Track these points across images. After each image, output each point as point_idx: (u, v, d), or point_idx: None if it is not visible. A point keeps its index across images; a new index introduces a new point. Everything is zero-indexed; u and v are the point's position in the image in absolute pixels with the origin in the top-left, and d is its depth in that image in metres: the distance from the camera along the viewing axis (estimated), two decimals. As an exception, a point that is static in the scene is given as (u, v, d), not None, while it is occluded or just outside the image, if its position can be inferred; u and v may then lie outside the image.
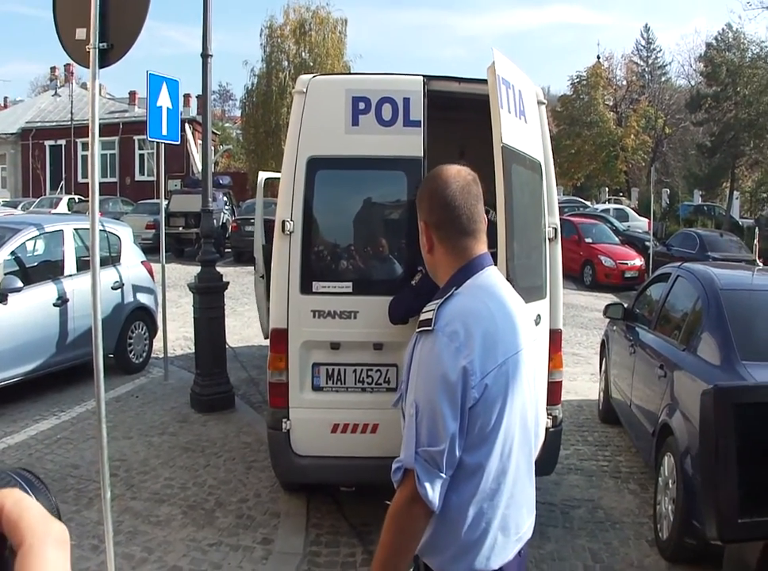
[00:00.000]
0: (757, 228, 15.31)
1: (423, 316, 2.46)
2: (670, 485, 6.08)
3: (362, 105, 5.78)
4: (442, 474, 2.33)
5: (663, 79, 59.05)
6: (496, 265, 3.72)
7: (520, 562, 2.66)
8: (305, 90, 5.79)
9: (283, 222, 5.73)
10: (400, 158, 5.81)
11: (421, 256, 5.72)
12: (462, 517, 2.43)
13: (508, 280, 4.83)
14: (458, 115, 7.18)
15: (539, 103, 5.80)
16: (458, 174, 2.61)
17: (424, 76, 5.91)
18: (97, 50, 4.75)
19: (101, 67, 4.82)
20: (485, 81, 6.06)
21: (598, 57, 57.09)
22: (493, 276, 2.63)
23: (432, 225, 2.61)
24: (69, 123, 45.26)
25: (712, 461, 1.37)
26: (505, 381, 2.41)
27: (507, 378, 2.41)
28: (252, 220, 25.96)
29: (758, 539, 1.49)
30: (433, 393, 2.34)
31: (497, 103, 4.91)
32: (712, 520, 1.42)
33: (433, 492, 2.32)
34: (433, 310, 2.43)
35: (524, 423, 2.53)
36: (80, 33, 4.83)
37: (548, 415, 5.95)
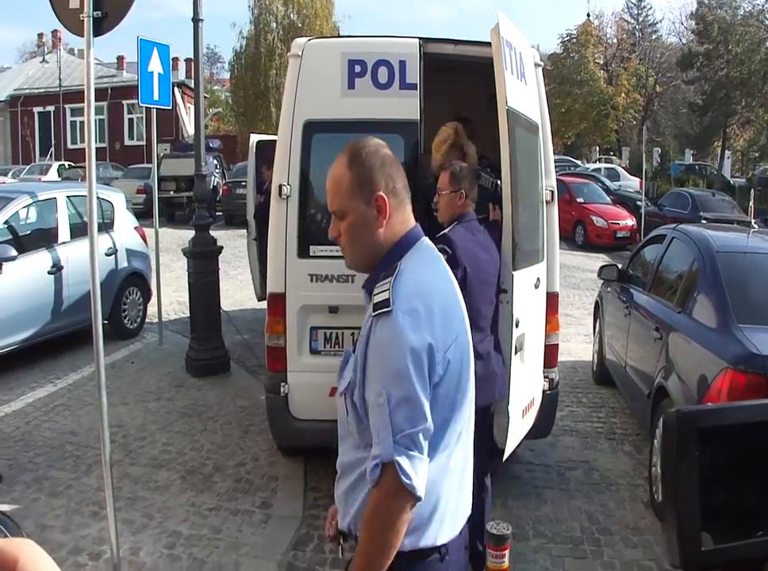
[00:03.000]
0: (752, 189, 15.21)
1: (376, 298, 2.33)
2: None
3: (358, 68, 5.73)
4: (424, 457, 2.24)
5: (654, 37, 58.62)
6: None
7: (463, 540, 2.59)
8: (300, 54, 5.73)
9: (280, 186, 5.71)
10: (396, 121, 5.77)
11: (421, 222, 5.73)
12: None
13: (513, 244, 4.91)
14: (454, 77, 7.13)
15: (536, 65, 5.77)
16: (380, 144, 2.54)
17: (419, 38, 5.86)
18: (91, 18, 4.69)
19: (95, 35, 4.75)
20: (480, 43, 6.06)
21: (588, 15, 56.74)
22: (429, 246, 2.56)
23: (391, 193, 2.46)
24: (57, 89, 44.86)
25: (673, 489, 1.35)
26: (460, 355, 2.38)
27: (462, 351, 2.39)
28: (243, 183, 26.04)
29: (721, 566, 1.49)
30: (403, 376, 2.22)
31: (501, 66, 4.89)
32: (675, 548, 1.41)
33: (418, 478, 2.22)
34: (388, 289, 2.30)
35: (471, 398, 2.51)
36: (74, 2, 4.78)
37: (545, 377, 5.98)
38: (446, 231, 4.78)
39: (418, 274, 2.38)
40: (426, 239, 2.55)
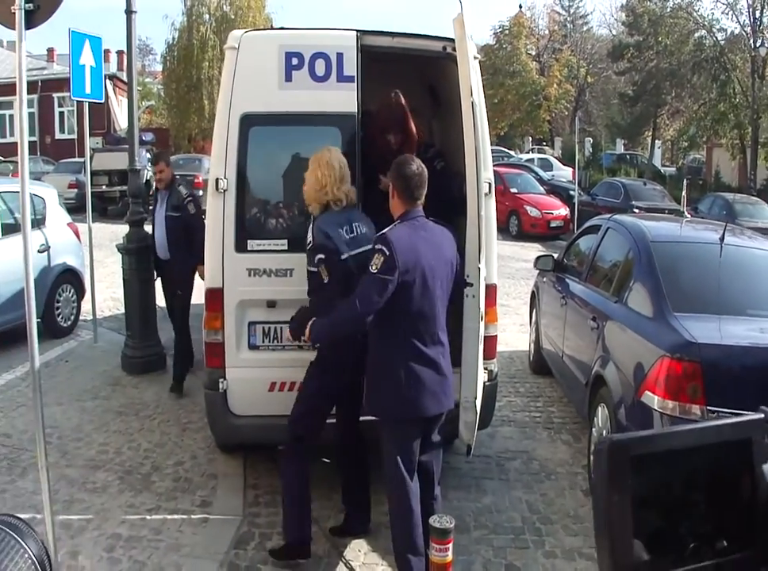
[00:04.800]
0: (684, 180, 15.41)
1: None
2: (604, 435, 6.19)
3: (295, 61, 5.71)
4: None
5: (585, 29, 59.40)
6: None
7: None
8: (237, 46, 5.68)
9: (217, 180, 5.65)
10: (334, 113, 5.77)
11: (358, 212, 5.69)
12: None
13: (479, 236, 4.98)
14: (392, 68, 7.12)
15: (474, 57, 5.78)
16: None
17: (357, 31, 5.85)
18: (23, 11, 4.57)
19: (27, 28, 4.63)
20: (418, 35, 6.10)
21: (520, 6, 57.16)
22: None
23: None
24: (-14, 81, 43.77)
25: (606, 518, 1.34)
26: None
27: None
28: (177, 176, 25.74)
29: None
30: None
31: (466, 57, 4.91)
32: None
33: None
34: None
35: None
36: None
37: (484, 369, 5.98)
38: (385, 230, 4.64)
39: None
40: None
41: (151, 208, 9.17)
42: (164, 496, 6.17)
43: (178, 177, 9.50)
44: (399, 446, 4.72)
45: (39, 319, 9.88)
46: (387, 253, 4.44)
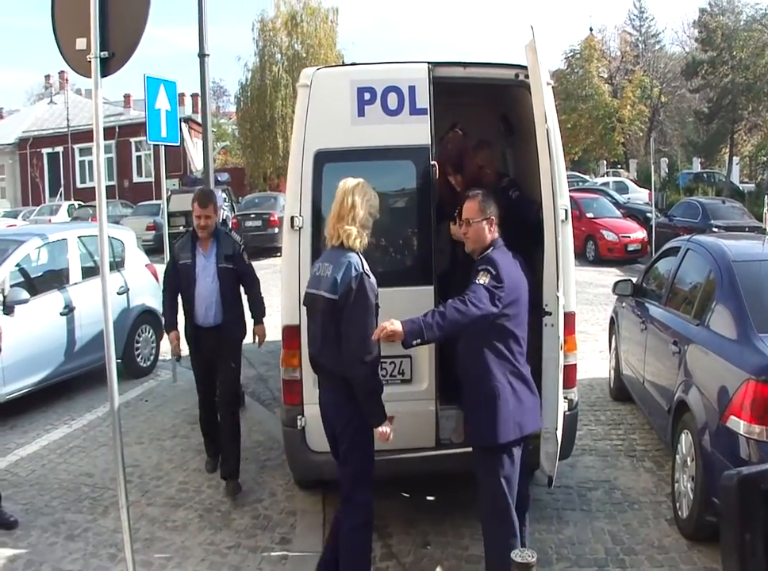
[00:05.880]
0: (766, 196, 14.94)
1: None
2: (689, 463, 6.02)
3: (367, 96, 5.74)
4: None
5: (657, 48, 58.54)
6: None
7: None
8: (309, 83, 5.73)
9: (292, 218, 5.68)
10: (407, 147, 5.79)
11: (432, 247, 5.64)
12: None
13: (557, 265, 4.95)
14: (464, 98, 7.11)
15: (547, 83, 5.72)
16: None
17: (428, 63, 5.85)
18: (98, 59, 4.69)
19: (103, 75, 4.77)
20: (490, 64, 6.08)
21: (591, 29, 56.76)
22: None
23: None
24: (65, 130, 45.31)
25: (738, 561, 1.24)
26: None
27: None
28: (252, 215, 26.26)
29: None
30: None
31: (539, 83, 4.89)
32: None
33: None
34: None
35: None
36: (80, 43, 4.80)
37: (564, 398, 5.86)
38: (488, 252, 4.76)
39: None
40: None
41: (180, 263, 7.14)
42: (244, 533, 6.18)
43: (223, 225, 9.06)
44: (504, 472, 4.68)
45: (119, 360, 10.15)
46: (494, 272, 4.53)
